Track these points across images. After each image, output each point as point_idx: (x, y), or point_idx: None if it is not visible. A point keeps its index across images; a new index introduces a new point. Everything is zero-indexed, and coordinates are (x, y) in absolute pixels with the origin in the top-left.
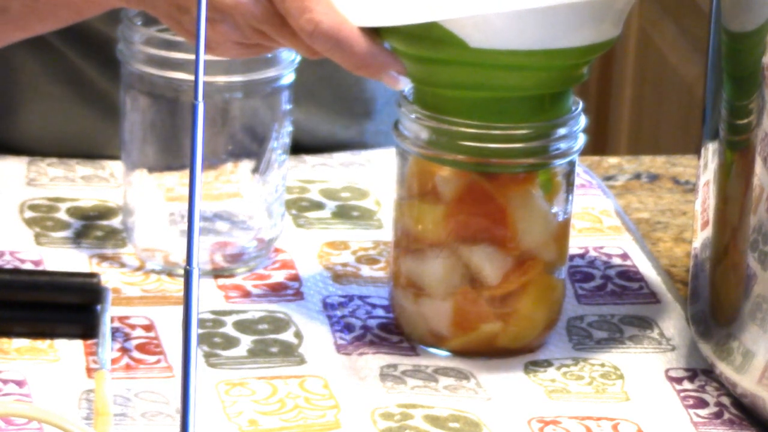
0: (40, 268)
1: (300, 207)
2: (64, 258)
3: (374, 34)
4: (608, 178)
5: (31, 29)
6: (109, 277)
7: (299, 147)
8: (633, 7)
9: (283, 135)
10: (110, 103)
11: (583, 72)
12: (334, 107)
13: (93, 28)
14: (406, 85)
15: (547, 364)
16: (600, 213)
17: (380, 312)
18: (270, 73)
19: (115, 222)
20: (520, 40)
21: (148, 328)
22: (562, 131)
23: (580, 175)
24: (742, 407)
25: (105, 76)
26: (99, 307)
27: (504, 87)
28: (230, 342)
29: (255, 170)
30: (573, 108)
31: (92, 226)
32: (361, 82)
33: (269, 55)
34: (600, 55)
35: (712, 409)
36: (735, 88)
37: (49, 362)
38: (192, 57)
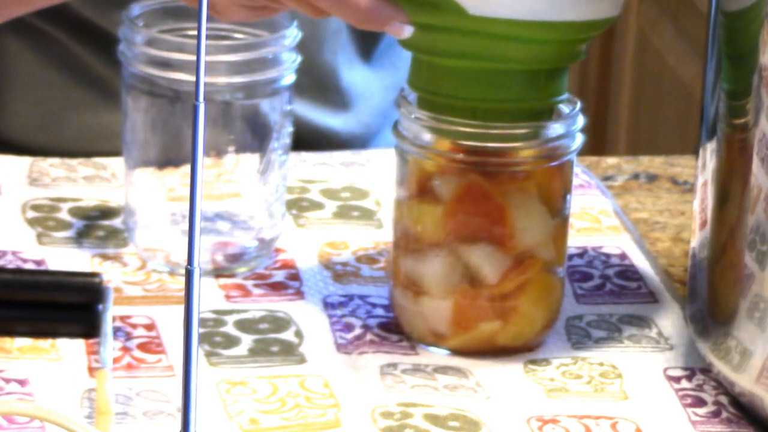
0: (42, 267)
1: (300, 207)
2: (65, 258)
3: None
4: (607, 178)
5: (33, 3)
6: (111, 276)
7: (299, 139)
8: (632, 7)
9: (283, 135)
10: (108, 89)
11: (580, 50)
12: (313, 96)
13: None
14: (410, 33)
15: (546, 363)
16: (599, 213)
17: (380, 311)
18: (271, 74)
19: (117, 222)
20: (519, 9)
21: (150, 327)
22: (560, 130)
23: (579, 175)
24: (740, 406)
25: (101, 61)
26: (101, 306)
27: (501, 58)
28: (231, 341)
29: (256, 170)
30: (567, 91)
31: (94, 226)
32: (336, 73)
33: (270, 57)
34: (598, 34)
35: (710, 407)
36: (733, 87)
37: (51, 361)
38: (193, 58)
